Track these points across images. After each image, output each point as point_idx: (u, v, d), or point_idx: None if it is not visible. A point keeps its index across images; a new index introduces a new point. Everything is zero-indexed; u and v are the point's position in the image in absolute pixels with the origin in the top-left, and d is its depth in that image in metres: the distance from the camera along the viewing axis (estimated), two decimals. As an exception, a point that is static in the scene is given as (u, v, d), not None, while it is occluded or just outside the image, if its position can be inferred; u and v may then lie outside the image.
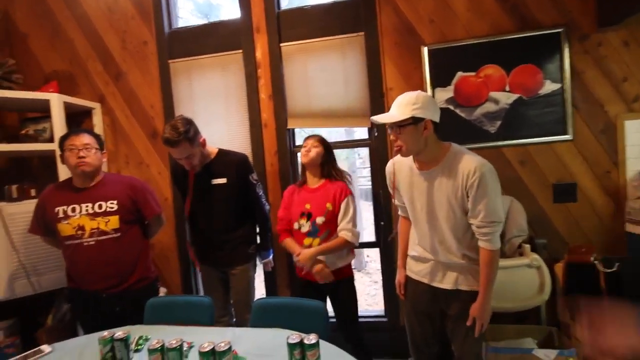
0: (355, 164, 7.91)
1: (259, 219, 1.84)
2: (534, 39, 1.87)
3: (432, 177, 1.24)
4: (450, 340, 1.37)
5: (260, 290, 4.00)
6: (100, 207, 1.57)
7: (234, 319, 1.82)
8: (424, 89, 1.98)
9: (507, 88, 1.92)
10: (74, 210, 1.55)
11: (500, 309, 1.71)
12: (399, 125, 1.18)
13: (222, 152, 1.76)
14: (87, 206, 1.56)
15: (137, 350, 1.20)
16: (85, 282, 1.56)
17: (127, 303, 1.58)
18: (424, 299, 1.37)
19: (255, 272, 1.86)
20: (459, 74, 1.96)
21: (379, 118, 1.24)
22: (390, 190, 1.48)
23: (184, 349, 1.10)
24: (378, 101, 2.03)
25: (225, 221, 1.72)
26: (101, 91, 2.37)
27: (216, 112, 2.26)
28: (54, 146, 2.04)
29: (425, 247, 1.33)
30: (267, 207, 1.88)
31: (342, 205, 1.62)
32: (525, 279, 1.74)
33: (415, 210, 1.32)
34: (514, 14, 1.89)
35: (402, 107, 1.18)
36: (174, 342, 1.07)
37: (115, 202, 1.60)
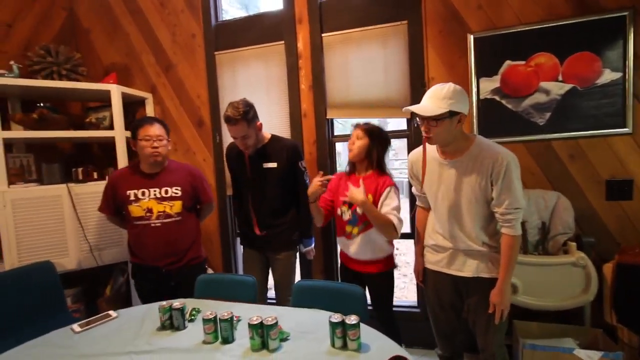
0: (389, 155, 7.79)
1: (304, 206, 1.86)
2: (593, 24, 1.74)
3: (457, 167, 1.28)
4: (473, 332, 1.39)
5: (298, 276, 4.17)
6: (166, 192, 1.73)
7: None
8: (468, 79, 1.92)
9: (560, 78, 1.81)
10: (143, 194, 1.71)
11: (540, 307, 1.68)
12: (436, 119, 1.19)
13: (274, 138, 1.82)
14: (155, 191, 1.72)
15: (191, 320, 1.33)
16: (149, 258, 1.72)
17: (181, 278, 1.74)
18: (445, 289, 1.41)
19: (296, 258, 1.92)
20: (507, 62, 1.88)
21: (415, 109, 1.22)
22: (410, 180, 1.54)
23: (234, 320, 1.20)
24: (419, 91, 2.00)
25: (272, 205, 1.78)
26: (153, 82, 2.53)
27: (258, 101, 2.28)
28: (114, 133, 2.24)
29: (445, 235, 1.36)
30: None
31: (384, 193, 1.57)
32: (570, 278, 1.68)
33: (437, 198, 1.36)
34: (572, -3, 1.77)
35: (439, 100, 1.19)
36: (225, 314, 1.17)
37: (179, 188, 1.75)
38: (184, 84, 2.47)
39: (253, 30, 2.32)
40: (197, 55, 2.42)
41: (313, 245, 1.97)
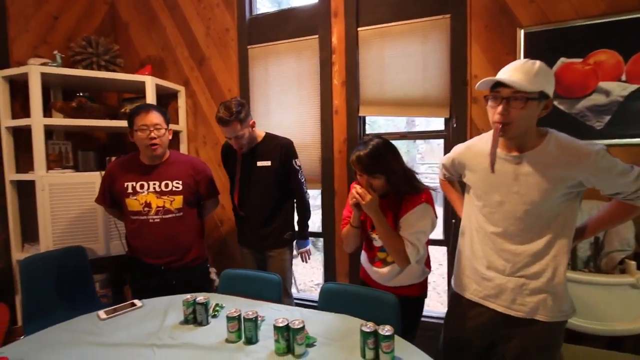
0: (415, 159, 7.57)
1: (300, 206, 1.84)
2: (666, 18, 1.56)
3: (527, 163, 1.02)
4: None
5: (318, 277, 4.11)
6: (167, 186, 1.62)
7: None
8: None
9: (624, 77, 1.63)
10: (142, 187, 1.59)
11: (590, 330, 1.51)
12: (528, 97, 0.94)
13: (269, 136, 1.81)
14: (154, 184, 1.60)
15: (214, 316, 1.29)
16: (147, 255, 1.61)
17: (182, 278, 1.65)
18: (481, 328, 1.13)
19: (292, 257, 1.88)
20: (562, 60, 1.71)
21: (511, 81, 0.94)
22: (442, 170, 1.38)
23: (258, 320, 1.14)
24: (460, 89, 1.88)
25: (265, 204, 1.77)
26: (186, 75, 2.55)
27: (289, 96, 2.30)
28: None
29: (492, 256, 1.09)
30: (308, 195, 1.87)
31: (413, 210, 1.24)
32: (626, 300, 1.50)
33: (491, 202, 1.09)
34: (642, -12, 1.59)
35: (530, 75, 0.94)
36: (250, 313, 1.12)
37: (180, 182, 1.64)
38: (216, 77, 2.47)
39: (286, 24, 2.28)
40: (230, 49, 2.42)
41: (309, 246, 1.91)
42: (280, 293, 1.46)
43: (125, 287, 2.38)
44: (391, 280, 1.36)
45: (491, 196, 1.09)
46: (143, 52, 2.67)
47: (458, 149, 1.27)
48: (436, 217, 1.29)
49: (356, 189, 1.25)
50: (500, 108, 0.97)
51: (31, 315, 1.70)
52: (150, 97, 2.25)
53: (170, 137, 1.66)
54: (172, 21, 2.57)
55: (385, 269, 1.36)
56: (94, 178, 2.11)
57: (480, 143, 1.16)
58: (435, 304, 3.58)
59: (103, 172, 2.11)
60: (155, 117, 1.57)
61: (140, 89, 2.29)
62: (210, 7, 2.45)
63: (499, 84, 0.98)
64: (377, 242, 1.36)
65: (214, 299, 1.37)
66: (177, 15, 2.55)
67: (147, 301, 1.42)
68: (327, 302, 1.34)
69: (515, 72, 0.97)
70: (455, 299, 1.23)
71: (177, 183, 1.63)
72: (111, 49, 2.28)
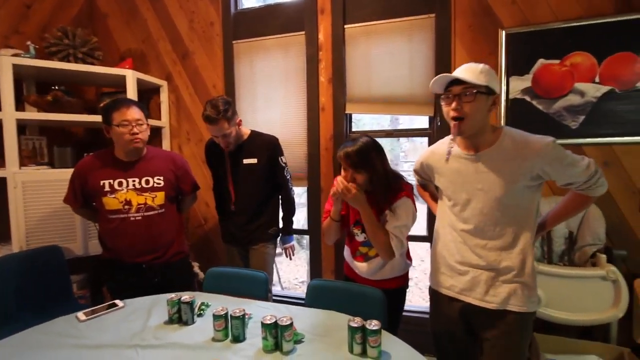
0: (399, 157, 7.66)
1: (285, 202, 1.87)
2: (637, 23, 1.63)
3: (486, 161, 1.09)
4: None
5: (303, 275, 4.11)
6: (147, 182, 1.57)
7: None
8: (497, 77, 1.82)
9: (597, 79, 1.71)
10: (120, 184, 1.53)
11: (564, 321, 1.58)
12: (476, 91, 1.02)
13: (254, 134, 1.81)
14: (134, 181, 1.54)
15: (199, 315, 1.27)
16: (128, 254, 1.54)
17: (166, 274, 1.61)
18: (459, 320, 1.18)
19: (275, 252, 1.90)
20: (540, 61, 1.78)
21: (460, 74, 1.03)
22: (415, 176, 1.43)
23: (245, 318, 1.13)
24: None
25: (251, 201, 1.77)
26: (169, 70, 2.49)
27: (275, 93, 2.29)
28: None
29: (465, 252, 1.14)
30: (293, 192, 1.89)
31: (396, 203, 1.29)
32: (598, 292, 1.58)
33: (460, 201, 1.14)
34: (615, -6, 1.66)
35: (476, 73, 1.03)
36: (237, 311, 1.11)
37: (162, 178, 1.60)
38: (200, 72, 2.42)
39: (273, 20, 2.25)
40: (214, 43, 2.37)
41: (293, 242, 1.93)
42: (267, 290, 1.46)
43: (104, 287, 2.30)
44: (375, 274, 1.38)
45: (459, 195, 1.15)
46: (123, 44, 2.58)
47: (425, 153, 1.33)
48: (416, 210, 1.33)
49: (341, 183, 1.26)
50: (453, 104, 1.06)
51: (2, 319, 1.62)
52: (132, 92, 2.18)
53: (149, 133, 1.60)
54: (154, 13, 2.49)
55: (366, 264, 1.39)
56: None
57: (443, 146, 1.24)
58: (418, 299, 3.65)
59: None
60: (136, 113, 1.52)
61: (120, 83, 2.21)
62: (194, 0, 2.39)
63: (450, 85, 1.07)
64: (359, 237, 1.39)
65: (199, 297, 1.35)
66: (158, 7, 2.47)
67: (129, 301, 1.38)
68: (315, 298, 1.35)
69: (463, 71, 1.06)
70: (434, 295, 1.28)
71: (158, 179, 1.59)
72: (89, 41, 2.19)
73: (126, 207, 1.53)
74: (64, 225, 2.02)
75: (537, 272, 1.14)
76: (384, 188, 1.28)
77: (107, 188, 1.52)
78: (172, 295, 1.25)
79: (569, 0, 1.72)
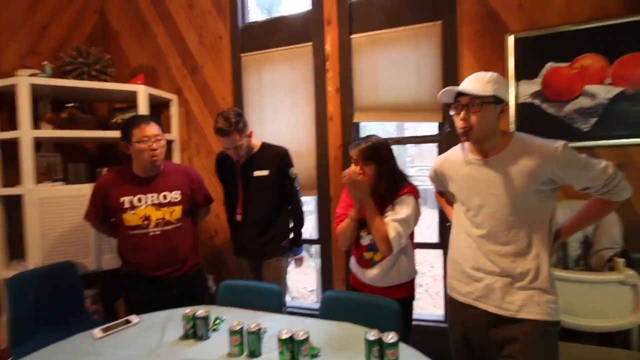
0: (405, 162, 7.64)
1: (295, 214, 1.86)
2: (648, 24, 1.62)
3: (498, 165, 1.09)
4: None
5: (312, 284, 4.07)
6: (165, 197, 1.60)
7: None
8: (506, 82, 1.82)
9: (608, 80, 1.68)
10: (140, 200, 1.56)
11: (584, 327, 1.53)
12: (482, 101, 1.04)
13: (265, 145, 1.81)
14: (152, 196, 1.58)
15: (214, 329, 1.26)
16: (148, 268, 1.57)
17: (184, 286, 1.63)
18: (477, 327, 1.14)
19: (288, 265, 1.89)
20: (550, 64, 1.76)
21: (464, 88, 1.07)
22: (432, 183, 1.41)
23: (261, 332, 1.12)
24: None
25: (262, 213, 1.76)
26: (179, 84, 2.53)
27: (283, 104, 2.31)
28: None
29: (479, 258, 1.13)
30: (303, 203, 1.88)
31: (397, 200, 1.33)
32: (617, 297, 1.53)
33: (473, 206, 1.14)
34: (624, -5, 1.65)
35: (483, 83, 1.05)
36: (253, 325, 1.10)
37: (179, 192, 1.63)
38: (209, 86, 2.46)
39: (280, 32, 2.29)
40: (223, 57, 2.41)
41: (303, 253, 1.93)
42: (280, 303, 1.45)
43: (117, 302, 2.31)
44: (381, 280, 1.38)
45: (472, 200, 1.15)
46: (134, 60, 2.64)
47: (438, 160, 1.34)
48: (419, 210, 1.36)
49: (350, 169, 1.31)
50: (461, 114, 1.08)
51: (18, 337, 1.64)
52: (143, 107, 2.23)
53: (166, 148, 1.65)
54: (164, 29, 2.55)
55: (371, 270, 1.39)
56: (85, 191, 2.03)
57: (456, 153, 1.25)
58: (429, 307, 3.57)
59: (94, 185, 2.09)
60: (154, 129, 1.56)
61: (132, 98, 2.25)
62: (203, 15, 2.45)
63: (459, 95, 1.10)
64: (365, 240, 1.41)
65: (213, 311, 1.34)
66: (168, 23, 2.53)
67: (144, 317, 1.39)
68: (329, 310, 1.33)
69: (470, 82, 1.09)
70: (451, 302, 1.26)
71: (175, 194, 1.63)
72: (102, 58, 2.24)
73: (145, 222, 1.56)
74: (78, 241, 2.05)
75: (553, 279, 1.10)
76: (389, 184, 1.33)
77: (127, 205, 1.55)
78: (187, 309, 1.25)
79: (578, 2, 1.71)
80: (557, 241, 1.18)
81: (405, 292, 1.41)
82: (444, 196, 1.48)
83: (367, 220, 1.31)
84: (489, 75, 1.07)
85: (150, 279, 1.58)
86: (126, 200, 1.55)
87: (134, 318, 1.37)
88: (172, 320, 1.33)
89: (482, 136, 1.09)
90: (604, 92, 1.70)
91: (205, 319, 1.21)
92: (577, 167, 1.01)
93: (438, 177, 1.34)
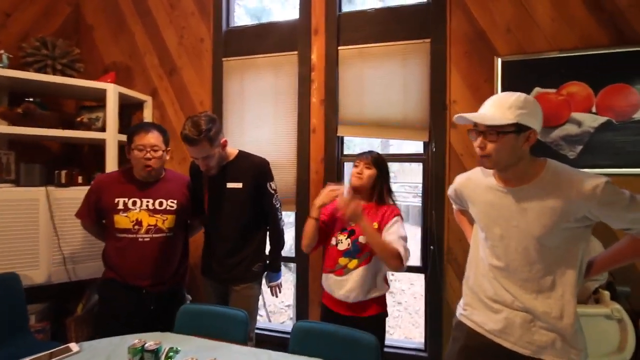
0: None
1: (273, 234, 1.63)
2: (633, 56, 1.63)
3: (524, 197, 0.98)
4: None
5: (289, 298, 3.88)
6: (160, 204, 1.56)
7: None
8: (493, 104, 1.78)
9: (594, 109, 1.68)
10: (134, 203, 1.53)
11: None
12: (498, 131, 0.93)
13: (242, 154, 1.61)
14: (148, 201, 1.55)
15: (166, 363, 1.10)
16: (131, 276, 1.52)
17: (162, 303, 1.54)
18: (488, 358, 1.05)
19: (260, 292, 1.67)
20: (537, 89, 1.74)
21: (474, 117, 0.96)
22: (452, 202, 1.36)
23: (218, 371, 0.98)
24: (439, 114, 1.86)
25: (233, 231, 1.56)
26: (154, 85, 2.38)
27: (265, 113, 2.20)
28: (105, 135, 2.07)
29: (498, 289, 1.03)
30: (283, 222, 1.67)
31: (391, 221, 1.39)
32: (602, 332, 1.48)
33: (493, 236, 1.04)
34: (610, 26, 1.66)
35: (505, 109, 0.93)
36: (209, 362, 0.95)
37: (175, 201, 1.59)
38: (187, 89, 2.33)
39: (265, 39, 2.20)
40: (203, 60, 2.29)
41: (281, 279, 1.68)
42: (246, 332, 1.30)
43: (68, 319, 2.07)
44: (352, 292, 1.38)
45: (492, 229, 1.05)
46: (108, 58, 2.48)
47: (459, 179, 1.23)
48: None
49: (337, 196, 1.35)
50: (478, 140, 0.99)
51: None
52: (112, 106, 2.06)
53: (167, 158, 1.60)
54: (142, 27, 2.41)
55: (344, 279, 1.40)
56: (39, 194, 1.86)
57: (478, 175, 1.14)
58: (408, 325, 3.44)
59: (51, 188, 1.89)
60: (153, 138, 1.52)
61: (101, 96, 2.09)
62: (185, 16, 2.33)
63: None
64: (342, 245, 1.44)
65: (167, 340, 1.18)
66: (148, 21, 2.40)
67: (87, 344, 1.21)
68: (300, 343, 1.20)
69: (489, 106, 0.98)
70: (459, 328, 1.15)
71: (172, 202, 1.59)
72: (70, 52, 2.08)
73: (136, 227, 1.52)
74: (26, 250, 1.83)
75: (579, 324, 0.99)
76: (380, 192, 1.48)
77: (120, 206, 1.52)
78: (135, 340, 1.09)
79: (564, 30, 1.71)
80: (587, 277, 1.06)
81: (380, 308, 1.44)
82: (465, 214, 1.38)
83: (370, 244, 1.34)
84: (513, 98, 0.94)
85: (130, 288, 1.51)
86: (121, 201, 1.53)
87: (74, 346, 1.18)
88: (117, 350, 1.16)
89: (503, 165, 0.99)
90: (590, 120, 1.69)
91: (156, 352, 1.05)
92: (618, 209, 0.89)
93: (458, 197, 1.25)
